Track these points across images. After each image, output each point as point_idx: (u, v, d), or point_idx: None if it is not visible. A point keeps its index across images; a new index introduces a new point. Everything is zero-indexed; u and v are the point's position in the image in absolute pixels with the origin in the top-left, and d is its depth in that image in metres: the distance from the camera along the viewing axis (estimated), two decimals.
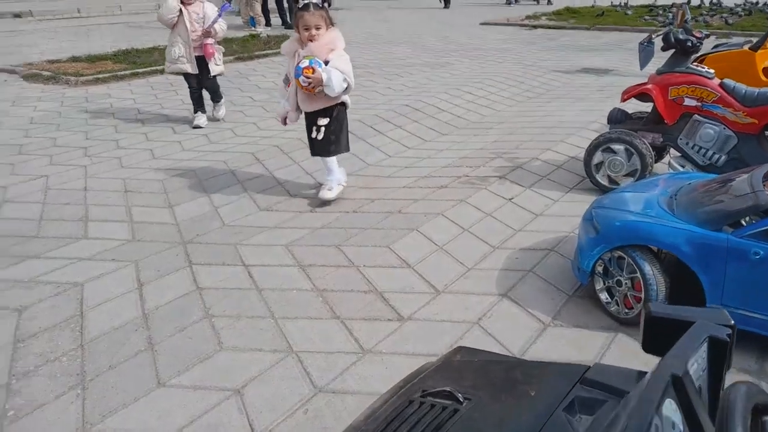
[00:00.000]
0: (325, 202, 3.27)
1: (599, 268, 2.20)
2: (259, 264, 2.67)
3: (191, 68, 4.63)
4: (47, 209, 3.28)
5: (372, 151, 4.25)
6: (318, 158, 3.36)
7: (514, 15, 13.29)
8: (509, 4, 15.89)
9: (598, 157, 3.27)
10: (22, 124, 4.96)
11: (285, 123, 3.30)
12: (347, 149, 3.33)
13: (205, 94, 4.94)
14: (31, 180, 3.71)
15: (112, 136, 4.65)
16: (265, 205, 3.32)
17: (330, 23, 3.05)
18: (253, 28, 10.66)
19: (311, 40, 2.98)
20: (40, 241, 2.91)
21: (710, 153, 3.08)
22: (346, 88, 3.04)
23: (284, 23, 11.77)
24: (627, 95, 3.33)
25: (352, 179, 3.69)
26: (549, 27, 11.59)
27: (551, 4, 15.76)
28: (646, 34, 3.65)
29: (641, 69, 3.36)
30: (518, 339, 2.09)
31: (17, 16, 13.95)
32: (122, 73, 6.97)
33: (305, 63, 2.94)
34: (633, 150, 3.16)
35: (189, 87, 4.81)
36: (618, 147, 3.20)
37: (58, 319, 2.27)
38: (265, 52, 8.37)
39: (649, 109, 3.49)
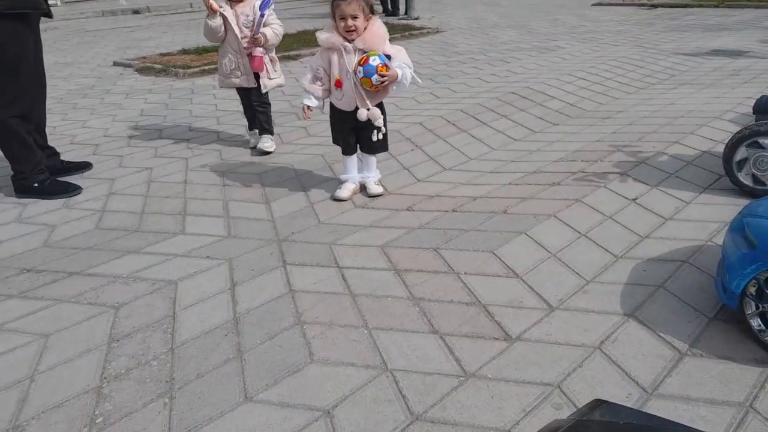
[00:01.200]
0: (376, 197, 3.19)
1: (752, 289, 1.83)
2: (354, 266, 2.51)
3: (246, 81, 3.87)
4: (149, 202, 3.31)
5: (474, 144, 3.98)
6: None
7: None
8: None
9: (742, 152, 2.82)
10: (133, 116, 5.13)
11: (308, 117, 3.11)
12: None
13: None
14: (137, 172, 3.78)
15: (213, 127, 4.69)
16: (361, 203, 3.16)
17: (370, 12, 2.88)
18: None
19: (349, 31, 2.84)
20: (141, 236, 2.92)
21: None
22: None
23: (385, 11, 11.65)
24: None
25: (451, 174, 3.47)
26: (671, 6, 10.66)
27: None
28: None
29: None
30: (649, 370, 1.78)
31: (136, 12, 14.79)
32: None
33: (377, 61, 2.81)
34: None
35: (244, 104, 4.07)
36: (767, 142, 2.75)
37: (151, 319, 2.23)
38: None
39: None
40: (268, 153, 3.96)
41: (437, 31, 9.09)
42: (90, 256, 2.74)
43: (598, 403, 1.02)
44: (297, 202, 3.20)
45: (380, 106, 3.05)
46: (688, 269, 2.30)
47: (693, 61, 6.10)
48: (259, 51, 3.81)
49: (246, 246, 2.75)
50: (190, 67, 6.98)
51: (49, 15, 3.47)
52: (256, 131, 4.07)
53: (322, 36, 2.94)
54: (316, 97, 3.04)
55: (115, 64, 7.75)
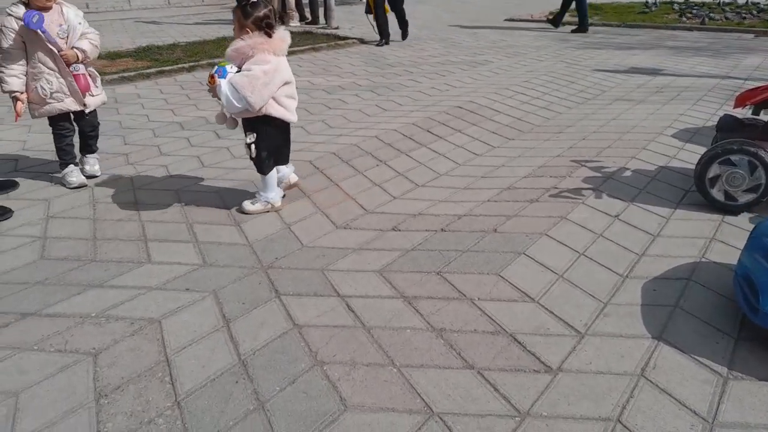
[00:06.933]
0: (244, 213, 3.07)
1: None
2: (356, 295, 2.34)
3: (76, 103, 3.33)
4: (100, 226, 2.94)
5: (438, 159, 3.91)
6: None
7: (536, 11, 12.92)
8: None
9: (714, 170, 2.94)
10: None
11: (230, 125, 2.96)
12: (278, 164, 3.11)
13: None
14: (74, 192, 3.37)
15: (152, 141, 4.30)
16: (342, 223, 2.98)
17: (259, 29, 2.73)
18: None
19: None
20: (100, 266, 2.57)
21: None
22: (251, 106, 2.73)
23: (302, 18, 11.43)
24: (749, 101, 2.99)
25: (426, 191, 3.36)
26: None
27: None
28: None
29: None
30: (699, 397, 1.76)
31: None
32: (148, 71, 6.61)
33: (213, 70, 2.73)
34: (758, 163, 2.83)
35: (60, 131, 3.41)
36: (739, 159, 2.87)
37: (141, 367, 1.94)
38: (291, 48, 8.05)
39: (758, 117, 3.16)
40: (97, 176, 3.56)
41: (363, 42, 9.00)
42: (43, 293, 2.37)
43: None
44: (270, 224, 2.96)
45: (252, 123, 2.89)
46: (694, 287, 2.33)
47: (617, 78, 6.40)
48: (80, 69, 3.30)
49: (228, 275, 2.49)
50: (105, 74, 6.41)
51: None
52: (72, 165, 3.47)
53: None
54: None
55: None
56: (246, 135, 2.91)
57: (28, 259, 2.64)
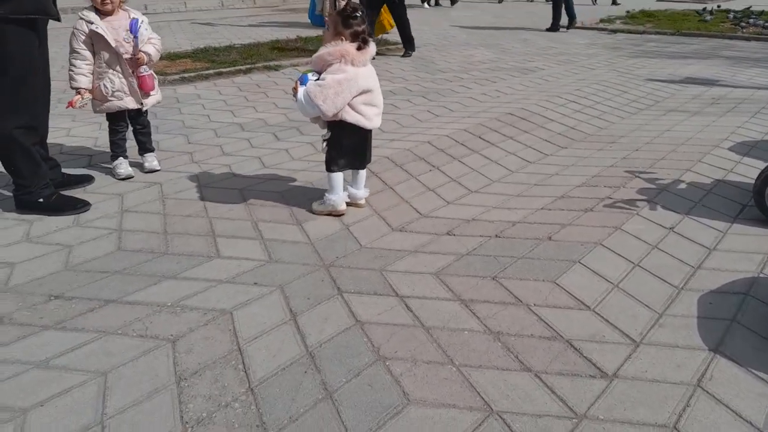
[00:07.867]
0: (313, 213, 3.21)
1: None
2: (414, 296, 2.43)
3: (133, 102, 3.58)
4: (170, 221, 3.11)
5: (490, 166, 3.97)
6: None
7: (586, 18, 12.80)
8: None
9: None
10: None
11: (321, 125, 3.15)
12: (352, 167, 3.19)
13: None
14: (145, 187, 3.57)
15: (213, 140, 4.49)
16: (397, 225, 3.08)
17: (353, 41, 2.85)
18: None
19: None
20: (172, 259, 2.73)
21: None
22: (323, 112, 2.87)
23: None
24: None
25: (479, 197, 3.43)
26: (629, 32, 11.11)
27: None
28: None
29: None
30: (755, 410, 1.79)
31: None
32: (206, 72, 6.86)
33: (297, 76, 3.01)
34: None
35: (115, 127, 3.69)
36: None
37: (216, 354, 2.07)
38: None
39: None
40: (158, 170, 3.82)
41: None
42: (122, 282, 2.54)
43: None
44: (330, 224, 3.08)
45: (331, 125, 3.03)
46: (752, 302, 2.35)
47: (671, 88, 6.34)
48: (144, 70, 3.56)
49: (293, 272, 2.62)
50: (166, 74, 6.69)
51: (57, 18, 3.23)
52: (122, 158, 3.75)
53: None
54: None
55: None
56: (324, 132, 3.10)
57: (107, 249, 2.83)
